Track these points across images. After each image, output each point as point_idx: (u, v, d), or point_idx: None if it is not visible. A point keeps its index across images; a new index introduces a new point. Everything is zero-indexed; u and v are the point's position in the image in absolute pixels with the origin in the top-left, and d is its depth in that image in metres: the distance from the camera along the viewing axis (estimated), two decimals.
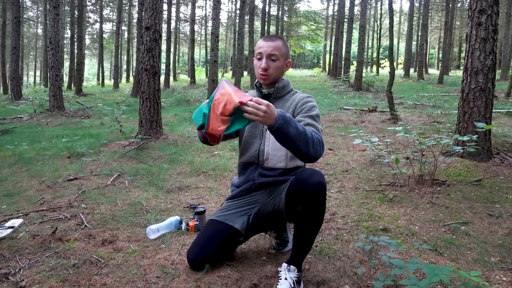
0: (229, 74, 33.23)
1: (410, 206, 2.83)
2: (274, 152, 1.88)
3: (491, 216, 2.63)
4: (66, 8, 25.09)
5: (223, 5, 40.27)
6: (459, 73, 24.42)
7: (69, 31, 23.42)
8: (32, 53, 40.13)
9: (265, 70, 1.82)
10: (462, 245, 2.20)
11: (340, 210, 2.78)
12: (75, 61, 19.23)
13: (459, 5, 28.47)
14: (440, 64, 24.19)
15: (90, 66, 58.33)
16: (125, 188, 3.40)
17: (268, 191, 1.91)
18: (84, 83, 25.68)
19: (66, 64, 26.60)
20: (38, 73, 40.88)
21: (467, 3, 25.39)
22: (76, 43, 19.57)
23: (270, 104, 1.48)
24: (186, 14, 33.15)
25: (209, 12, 34.03)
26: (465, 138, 3.22)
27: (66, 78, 26.18)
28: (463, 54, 34.29)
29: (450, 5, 22.03)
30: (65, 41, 28.90)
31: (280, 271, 1.70)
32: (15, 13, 13.18)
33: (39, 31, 34.52)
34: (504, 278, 1.83)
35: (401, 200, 2.95)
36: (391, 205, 2.86)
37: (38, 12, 32.60)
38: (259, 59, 1.84)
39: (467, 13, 4.03)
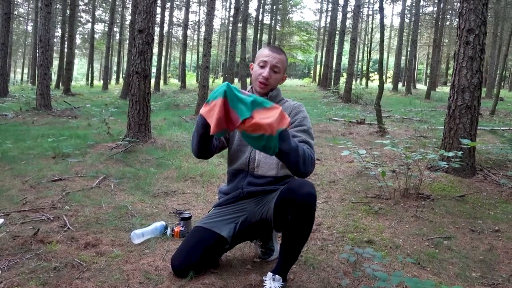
0: (219, 80, 33.27)
1: (395, 219, 2.86)
2: (266, 159, 1.88)
3: (473, 231, 2.67)
4: (58, 6, 24.82)
5: (216, 12, 40.44)
6: (446, 89, 24.92)
7: (59, 30, 23.14)
8: (20, 50, 39.52)
9: (266, 80, 1.83)
10: (444, 260, 2.23)
11: (326, 221, 2.79)
12: (65, 60, 18.98)
13: (447, 23, 29.14)
14: (427, 80, 24.66)
15: (79, 66, 57.72)
16: (111, 191, 3.36)
17: (256, 200, 1.91)
18: (73, 83, 25.40)
19: (55, 62, 26.29)
20: (26, 70, 40.23)
21: (455, 22, 26.02)
22: (66, 42, 19.33)
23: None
24: (179, 19, 33.18)
25: (203, 18, 34.13)
26: (450, 154, 3.28)
27: (54, 77, 25.86)
28: (450, 71, 35.05)
29: (439, 23, 22.52)
30: (55, 40, 28.55)
31: (265, 280, 1.70)
32: (6, 9, 13.01)
33: (29, 28, 34.07)
34: None
35: (386, 212, 2.98)
36: (377, 218, 2.89)
37: (29, 9, 32.21)
38: (262, 66, 1.84)
39: (456, 32, 4.13)
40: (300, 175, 1.65)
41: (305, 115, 1.87)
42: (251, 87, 1.94)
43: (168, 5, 27.08)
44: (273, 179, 1.89)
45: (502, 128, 7.75)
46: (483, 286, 1.94)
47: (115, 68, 37.35)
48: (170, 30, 32.29)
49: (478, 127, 4.29)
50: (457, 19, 4.24)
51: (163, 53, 24.97)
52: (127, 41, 18.79)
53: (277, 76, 1.85)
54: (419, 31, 25.75)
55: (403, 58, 29.56)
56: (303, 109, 1.90)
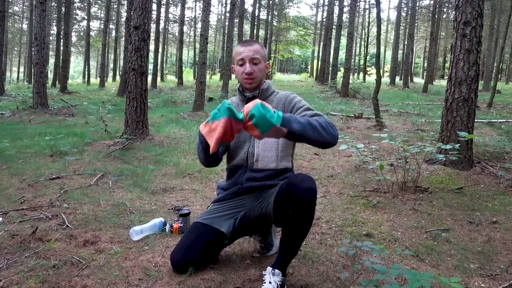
0: (217, 77, 33.19)
1: (393, 212, 2.87)
2: (265, 153, 1.88)
3: (471, 223, 2.68)
4: (53, 4, 24.66)
5: (212, 7, 40.24)
6: (443, 82, 24.94)
7: (55, 28, 23.01)
8: (16, 48, 39.26)
9: (250, 74, 1.84)
10: (443, 252, 2.24)
11: (325, 215, 2.80)
12: (61, 58, 18.85)
13: (444, 16, 29.11)
14: (425, 73, 24.68)
15: (76, 64, 57.43)
16: (109, 188, 3.35)
17: (256, 195, 1.91)
18: (69, 81, 25.27)
19: (51, 61, 26.07)
20: (22, 69, 40.02)
21: (452, 15, 26.00)
22: (62, 40, 19.23)
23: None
24: (175, 15, 32.99)
25: (199, 14, 33.98)
26: (448, 146, 3.29)
27: (50, 75, 25.69)
28: (447, 64, 35.09)
29: (436, 16, 22.51)
30: (50, 38, 28.35)
31: (265, 274, 1.70)
32: (0, 7, 12.91)
33: (24, 26, 33.83)
34: (482, 285, 1.87)
35: (385, 206, 2.99)
36: (375, 211, 2.90)
37: (24, 7, 31.98)
38: (241, 65, 1.85)
39: (452, 25, 4.13)
40: (329, 143, 1.59)
41: (299, 98, 1.90)
42: (240, 86, 1.95)
43: (164, 1, 26.94)
44: (273, 172, 1.89)
45: (499, 120, 7.76)
46: (482, 277, 1.95)
47: (111, 65, 37.17)
48: (166, 27, 32.12)
49: (476, 120, 4.29)
50: (453, 12, 4.23)
51: (160, 50, 24.88)
52: (123, 38, 18.70)
53: (259, 66, 1.86)
54: (416, 24, 25.73)
55: (400, 52, 29.56)
56: (295, 94, 1.94)
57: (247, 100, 1.92)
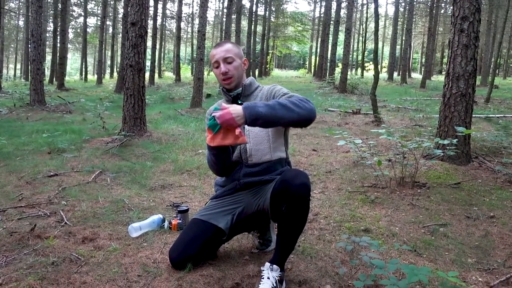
0: None
1: (391, 207, 2.88)
2: (257, 147, 1.89)
3: (469, 218, 2.70)
4: (49, 0, 24.51)
5: (210, 3, 39.99)
6: (441, 78, 24.94)
7: (52, 24, 22.87)
8: (12, 45, 39.06)
9: (226, 74, 1.87)
10: (440, 246, 2.25)
11: (323, 211, 2.81)
12: (58, 55, 18.77)
13: (442, 11, 29.07)
14: (423, 69, 24.67)
15: (73, 61, 57.12)
16: (107, 185, 3.35)
17: (253, 191, 1.92)
18: (67, 78, 25.19)
19: (48, 57, 25.98)
20: (18, 66, 39.81)
21: (450, 10, 25.95)
22: (59, 37, 19.09)
23: (229, 106, 1.58)
24: (173, 11, 32.83)
25: (196, 10, 33.81)
26: (446, 141, 3.29)
27: (48, 72, 25.59)
28: (445, 60, 35.05)
29: (434, 11, 22.48)
30: (47, 34, 28.19)
31: (263, 270, 1.71)
32: None
33: (21, 23, 33.65)
34: (480, 279, 1.89)
35: (383, 201, 3.00)
36: (373, 206, 2.90)
37: (20, 3, 31.75)
38: (217, 67, 1.89)
39: (450, 20, 4.12)
40: (306, 119, 1.65)
41: (280, 87, 1.92)
42: (222, 87, 1.97)
43: None
44: (269, 164, 1.90)
45: (497, 115, 7.78)
46: (479, 272, 1.96)
47: (109, 62, 37.05)
48: (164, 23, 31.99)
49: (473, 115, 4.30)
50: (451, 7, 4.22)
51: (157, 46, 24.75)
52: (120, 35, 18.61)
53: (235, 64, 1.88)
54: (413, 19, 25.69)
55: (398, 47, 29.54)
56: (279, 87, 1.95)
57: (233, 98, 1.95)
